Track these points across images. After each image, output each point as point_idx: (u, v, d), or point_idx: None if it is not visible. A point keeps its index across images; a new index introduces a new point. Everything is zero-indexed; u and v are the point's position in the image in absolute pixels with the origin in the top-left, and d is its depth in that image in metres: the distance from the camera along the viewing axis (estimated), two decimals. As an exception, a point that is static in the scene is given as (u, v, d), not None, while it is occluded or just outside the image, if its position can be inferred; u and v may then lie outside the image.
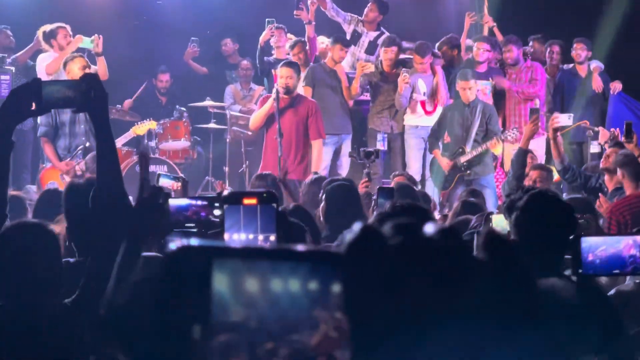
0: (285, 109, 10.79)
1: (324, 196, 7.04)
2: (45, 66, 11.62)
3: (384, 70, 12.07)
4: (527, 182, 9.00)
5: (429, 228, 1.43)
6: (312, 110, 10.99)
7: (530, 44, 13.41)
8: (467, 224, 6.39)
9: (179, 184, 7.38)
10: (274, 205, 3.11)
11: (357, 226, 1.41)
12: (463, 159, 11.16)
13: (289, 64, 11.10)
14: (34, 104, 3.74)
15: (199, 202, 3.84)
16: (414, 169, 11.86)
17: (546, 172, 9.43)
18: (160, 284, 1.35)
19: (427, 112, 11.94)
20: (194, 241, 1.36)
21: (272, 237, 3.08)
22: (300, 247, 1.35)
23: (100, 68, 11.80)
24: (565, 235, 3.96)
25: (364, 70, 12.15)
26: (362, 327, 1.33)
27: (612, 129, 10.48)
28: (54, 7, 13.24)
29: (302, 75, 11.92)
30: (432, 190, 11.28)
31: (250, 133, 13.19)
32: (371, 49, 12.98)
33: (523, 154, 8.75)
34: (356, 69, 12.25)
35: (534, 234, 4.03)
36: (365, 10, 13.03)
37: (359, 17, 13.05)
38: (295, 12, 12.77)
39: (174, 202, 3.89)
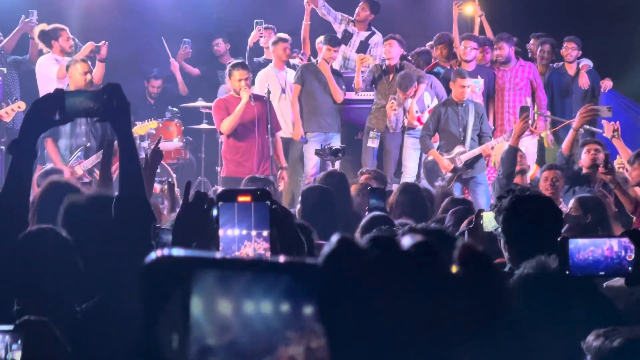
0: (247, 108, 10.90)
1: (299, 198, 7.11)
2: (57, 71, 11.57)
3: (387, 67, 12.08)
4: (542, 184, 9.01)
5: (406, 241, 1.45)
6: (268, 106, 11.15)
7: (531, 41, 13.38)
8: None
9: (165, 187, 7.37)
10: (268, 202, 3.14)
11: (334, 238, 1.43)
12: (463, 159, 11.19)
13: (242, 65, 11.16)
14: (57, 114, 3.78)
15: None
16: (410, 167, 11.93)
17: (561, 171, 9.41)
18: (139, 294, 1.36)
19: (422, 124, 11.97)
20: (175, 251, 1.37)
21: (265, 233, 3.11)
22: (278, 259, 1.36)
23: (97, 73, 11.84)
24: (553, 235, 4.00)
25: (364, 63, 12.18)
26: (339, 340, 1.35)
27: (611, 122, 10.50)
28: (43, 7, 13.19)
29: (287, 74, 12.04)
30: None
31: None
32: (362, 48, 13.00)
33: (513, 152, 8.78)
34: (354, 65, 12.32)
35: (521, 234, 4.08)
36: (357, 9, 13.05)
37: (350, 17, 13.07)
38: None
39: None
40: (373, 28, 13.15)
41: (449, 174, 11.19)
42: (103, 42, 12.00)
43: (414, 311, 1.36)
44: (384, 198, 6.87)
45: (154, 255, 1.37)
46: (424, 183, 11.60)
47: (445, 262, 1.44)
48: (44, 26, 12.01)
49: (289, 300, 1.32)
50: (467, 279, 1.41)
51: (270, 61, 12.67)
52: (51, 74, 11.61)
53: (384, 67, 12.16)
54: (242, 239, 3.09)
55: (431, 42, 13.26)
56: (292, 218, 3.62)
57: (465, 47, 12.46)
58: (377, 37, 13.01)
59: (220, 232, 3.09)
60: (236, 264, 1.37)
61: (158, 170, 11.39)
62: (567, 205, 8.40)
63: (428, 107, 12.00)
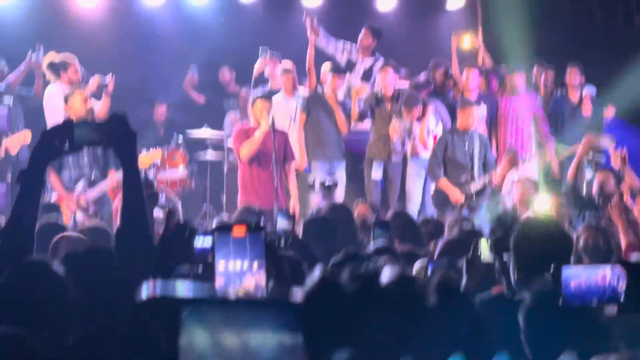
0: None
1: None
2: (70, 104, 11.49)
3: (384, 96, 12.12)
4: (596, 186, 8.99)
5: (386, 274, 1.50)
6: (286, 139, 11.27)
7: (534, 69, 13.41)
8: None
9: (166, 213, 7.40)
10: (262, 233, 3.21)
11: (315, 274, 1.48)
12: (473, 188, 11.24)
13: (267, 97, 11.33)
14: (65, 144, 3.82)
15: None
16: (415, 196, 11.93)
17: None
18: (129, 332, 1.41)
19: (426, 148, 12.00)
20: (167, 291, 1.42)
21: (261, 264, 3.17)
22: (262, 297, 1.42)
23: (104, 106, 11.89)
24: (562, 258, 4.08)
25: (360, 93, 12.22)
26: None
27: (618, 150, 10.53)
28: (49, 35, 13.28)
29: (297, 102, 12.10)
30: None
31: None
32: (367, 76, 13.04)
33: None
34: (352, 96, 12.31)
35: (530, 259, 4.14)
36: (360, 36, 13.10)
37: (353, 44, 13.10)
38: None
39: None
40: (377, 54, 13.18)
41: (459, 205, 11.24)
42: (110, 75, 12.06)
43: (393, 342, 1.41)
44: (389, 229, 6.93)
45: (145, 293, 1.41)
46: (429, 211, 11.63)
47: (424, 294, 1.49)
48: (54, 56, 11.99)
49: (277, 333, 1.36)
50: (443, 311, 1.46)
51: (275, 91, 12.76)
52: (60, 105, 11.44)
53: (379, 95, 12.18)
54: (241, 274, 3.16)
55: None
56: (275, 250, 3.67)
57: (467, 76, 12.50)
58: (381, 63, 13.06)
59: (220, 266, 3.16)
60: (222, 303, 1.41)
61: (162, 200, 11.51)
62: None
63: (432, 131, 12.04)
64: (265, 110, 11.00)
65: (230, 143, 13.31)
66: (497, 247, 4.84)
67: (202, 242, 3.82)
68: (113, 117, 3.90)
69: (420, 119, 11.92)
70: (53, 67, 11.95)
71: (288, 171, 11.22)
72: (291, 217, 6.97)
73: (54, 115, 11.50)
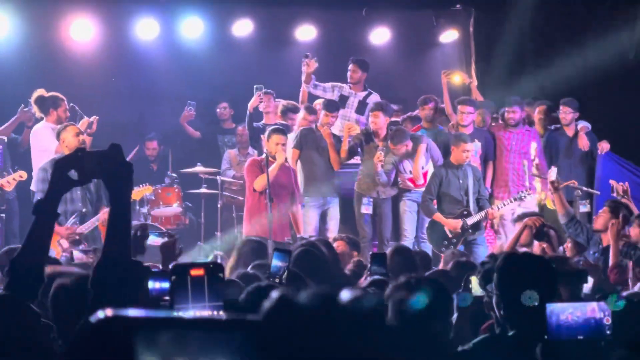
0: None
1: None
2: (63, 138, 11.45)
3: (374, 132, 12.11)
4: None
5: (345, 295, 1.48)
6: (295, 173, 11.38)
7: (527, 104, 13.41)
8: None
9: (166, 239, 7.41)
10: (221, 275, 3.17)
11: (274, 294, 1.46)
12: (470, 222, 11.23)
13: (282, 131, 11.31)
14: (77, 175, 3.77)
15: None
16: (408, 230, 11.90)
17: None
18: (85, 354, 1.38)
19: (417, 186, 11.98)
20: (119, 311, 1.39)
21: (219, 307, 3.15)
22: (218, 316, 1.39)
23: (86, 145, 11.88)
24: (546, 294, 4.06)
25: (351, 132, 12.21)
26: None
27: (620, 183, 10.51)
28: (43, 71, 13.29)
29: (291, 137, 12.11)
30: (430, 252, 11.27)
31: (241, 199, 13.25)
32: (361, 108, 13.04)
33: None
34: (344, 132, 12.32)
35: (514, 294, 4.11)
36: (348, 73, 13.11)
37: (341, 84, 13.12)
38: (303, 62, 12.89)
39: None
40: (368, 88, 13.20)
41: (455, 238, 11.22)
42: (94, 117, 12.08)
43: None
44: (385, 263, 6.90)
45: (101, 314, 1.39)
46: (423, 247, 11.60)
47: (383, 315, 1.47)
48: (43, 92, 11.94)
49: (238, 355, 1.34)
50: (402, 331, 1.44)
51: (269, 125, 12.78)
52: (50, 145, 11.42)
53: (369, 131, 12.17)
54: None
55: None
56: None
57: (462, 112, 12.49)
58: (375, 96, 13.06)
59: (175, 308, 3.13)
60: (182, 323, 1.39)
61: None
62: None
63: (423, 168, 12.03)
64: (281, 143, 11.09)
65: (226, 178, 13.37)
66: (485, 281, 4.82)
67: (158, 284, 3.77)
68: (112, 147, 3.83)
69: (411, 154, 11.90)
70: (42, 101, 11.89)
71: (297, 210, 11.36)
72: (287, 254, 6.94)
73: (41, 154, 11.44)
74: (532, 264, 4.22)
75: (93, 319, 1.39)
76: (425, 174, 11.98)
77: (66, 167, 3.77)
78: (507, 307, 4.15)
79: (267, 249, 8.42)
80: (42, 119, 11.91)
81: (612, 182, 10.84)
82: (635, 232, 8.85)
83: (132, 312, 1.41)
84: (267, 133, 11.34)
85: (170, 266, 3.44)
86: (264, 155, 11.26)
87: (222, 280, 3.14)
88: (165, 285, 3.58)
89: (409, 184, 11.98)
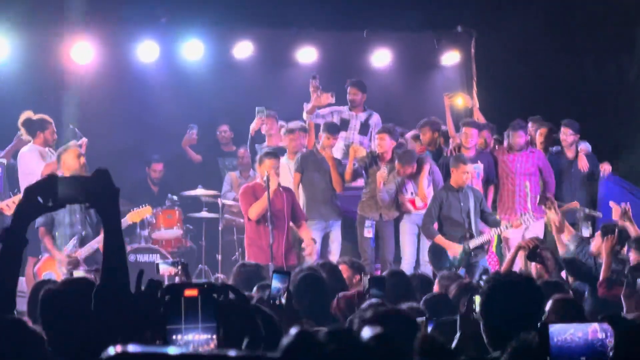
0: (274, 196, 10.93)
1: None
2: (43, 168, 11.43)
3: (379, 155, 12.09)
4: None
5: (366, 333, 1.44)
6: (293, 196, 11.35)
7: (529, 125, 13.37)
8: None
9: (179, 268, 7.40)
10: (214, 295, 3.15)
11: (292, 331, 1.42)
12: (472, 244, 11.20)
13: (275, 154, 11.27)
14: (50, 201, 3.76)
15: None
16: (408, 253, 11.87)
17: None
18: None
19: (416, 208, 11.96)
20: (132, 347, 1.37)
21: (213, 328, 3.12)
22: (233, 353, 1.36)
23: None
24: (531, 316, 4.04)
25: (357, 154, 12.18)
26: None
27: (622, 204, 10.47)
28: (44, 94, 13.28)
29: (293, 161, 12.09)
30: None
31: (242, 221, 13.21)
32: (364, 129, 13.04)
33: None
34: (349, 154, 12.29)
35: (498, 317, 4.10)
36: (348, 96, 13.10)
37: (340, 108, 13.10)
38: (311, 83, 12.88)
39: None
40: (368, 109, 13.19)
41: (457, 261, 11.18)
42: (83, 139, 12.09)
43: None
44: (384, 286, 6.87)
45: (111, 350, 1.36)
46: (424, 269, 11.54)
47: (404, 352, 1.43)
48: (30, 114, 11.92)
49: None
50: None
51: (273, 148, 12.79)
52: (36, 169, 11.46)
53: (374, 154, 12.15)
54: (192, 341, 3.12)
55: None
56: (247, 307, 3.60)
57: (466, 133, 12.46)
58: (376, 117, 13.07)
59: (171, 332, 3.11)
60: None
61: (157, 257, 11.45)
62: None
63: (412, 194, 11.99)
64: (274, 168, 11.00)
65: (227, 201, 13.33)
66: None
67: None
68: (96, 172, 3.83)
69: (414, 176, 11.89)
70: (30, 124, 11.88)
71: (302, 228, 11.22)
72: (286, 276, 6.93)
73: (27, 177, 11.37)
74: (516, 287, 4.20)
75: (104, 356, 1.37)
76: (422, 197, 11.96)
77: (36, 193, 3.75)
78: (492, 330, 4.15)
79: (262, 273, 8.38)
80: (29, 141, 11.91)
81: (611, 203, 10.80)
82: (635, 257, 8.85)
83: (144, 349, 1.38)
84: (258, 157, 11.26)
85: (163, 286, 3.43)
86: (258, 180, 11.20)
87: (216, 301, 3.12)
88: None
89: (409, 205, 11.95)
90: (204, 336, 3.13)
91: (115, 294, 3.69)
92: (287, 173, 12.09)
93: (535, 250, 8.93)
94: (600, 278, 8.54)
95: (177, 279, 8.14)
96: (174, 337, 3.14)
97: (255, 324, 3.38)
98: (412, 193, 11.99)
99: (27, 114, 11.94)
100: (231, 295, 3.37)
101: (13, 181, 12.19)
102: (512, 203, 12.53)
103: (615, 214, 10.37)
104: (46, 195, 3.75)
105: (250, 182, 11.51)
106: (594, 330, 3.77)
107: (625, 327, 3.93)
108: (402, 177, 11.88)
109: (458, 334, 4.97)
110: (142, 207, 11.86)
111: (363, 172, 12.12)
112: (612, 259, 8.74)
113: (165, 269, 7.49)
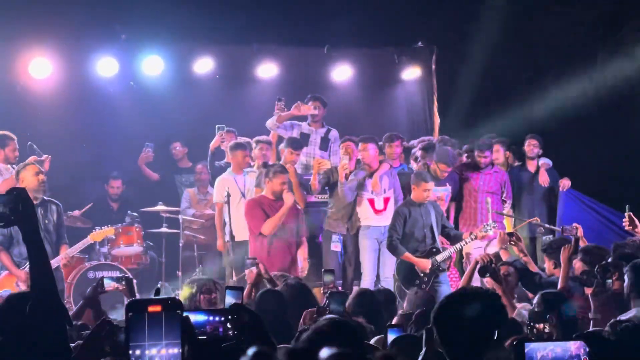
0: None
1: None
2: (1, 185, 11.44)
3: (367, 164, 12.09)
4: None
5: (324, 353, 1.43)
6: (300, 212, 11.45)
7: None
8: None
9: (123, 283, 7.37)
10: (179, 312, 3.12)
11: (250, 351, 1.40)
12: (440, 258, 11.19)
13: (284, 170, 11.34)
14: None
15: (217, 318, 3.92)
16: (368, 269, 11.80)
17: (514, 268, 9.49)
18: None
19: (376, 211, 11.94)
20: None
21: (177, 344, 3.10)
22: None
23: None
24: (484, 334, 4.03)
25: (321, 167, 12.15)
26: None
27: (574, 224, 10.52)
28: (5, 110, 13.17)
29: (245, 178, 12.07)
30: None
31: (202, 237, 13.16)
32: (324, 144, 13.03)
33: None
34: (312, 167, 12.26)
35: (450, 334, 4.11)
36: (311, 111, 13.07)
37: (299, 122, 13.09)
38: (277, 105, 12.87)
39: (192, 317, 3.89)
40: (326, 125, 13.18)
41: (427, 276, 11.15)
42: (46, 156, 12.02)
43: None
44: (344, 302, 6.83)
45: None
46: (385, 285, 11.50)
47: None
48: None
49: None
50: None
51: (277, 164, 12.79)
52: None
53: (336, 168, 12.13)
54: (154, 357, 3.08)
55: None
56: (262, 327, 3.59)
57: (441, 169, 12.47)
58: (335, 132, 13.11)
59: (134, 349, 3.07)
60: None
61: (117, 274, 11.36)
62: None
63: (385, 192, 11.98)
64: (286, 183, 11.07)
65: (187, 217, 13.27)
66: None
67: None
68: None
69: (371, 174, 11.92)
70: None
71: (302, 245, 11.29)
72: (240, 292, 6.90)
73: None
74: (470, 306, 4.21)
75: None
76: (386, 200, 11.95)
77: None
78: (448, 347, 4.16)
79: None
80: None
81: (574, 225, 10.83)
82: (577, 265, 8.93)
83: None
84: (270, 173, 11.16)
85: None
86: (264, 194, 11.15)
87: (180, 317, 3.08)
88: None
89: (368, 207, 11.91)
90: (168, 352, 3.09)
91: (46, 308, 3.72)
92: (233, 187, 12.04)
93: (487, 265, 8.92)
94: (559, 287, 8.59)
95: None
96: (136, 353, 3.08)
97: (271, 343, 3.36)
98: (372, 192, 11.97)
99: None
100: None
101: None
102: (474, 220, 12.57)
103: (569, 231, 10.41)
104: None
105: (255, 197, 11.45)
106: (570, 349, 3.78)
107: (599, 345, 3.95)
108: (363, 176, 11.89)
109: (424, 350, 4.95)
110: (105, 227, 11.78)
111: (326, 188, 12.10)
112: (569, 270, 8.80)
113: (110, 285, 7.43)
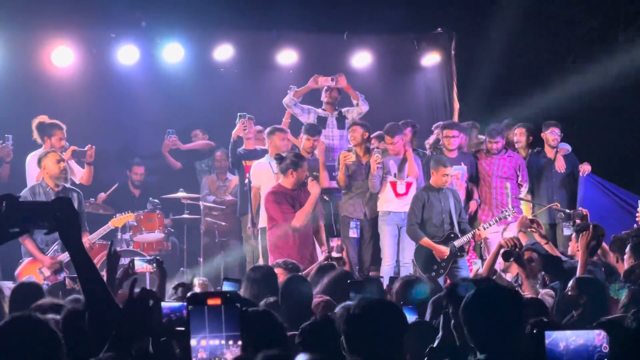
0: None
1: None
2: (43, 164, 11.52)
3: (357, 153, 12.12)
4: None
5: (300, 358, 1.48)
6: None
7: (515, 130, 13.38)
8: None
9: (154, 265, 7.43)
10: (238, 305, 3.17)
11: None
12: (458, 244, 11.20)
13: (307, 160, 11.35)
14: (14, 227, 3.74)
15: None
16: (388, 254, 11.83)
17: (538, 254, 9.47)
18: None
19: (397, 195, 11.96)
20: None
21: (237, 337, 3.14)
22: None
23: (85, 174, 12.07)
24: (512, 327, 4.17)
25: (346, 160, 12.13)
26: None
27: (579, 209, 10.51)
28: (29, 99, 13.26)
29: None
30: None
31: (224, 224, 13.21)
32: (341, 123, 13.01)
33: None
34: (339, 160, 12.23)
35: (482, 327, 4.17)
36: (328, 93, 13.09)
37: (315, 108, 13.09)
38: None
39: (166, 305, 3.98)
40: (339, 109, 13.17)
41: (445, 262, 11.17)
42: (89, 146, 12.10)
43: None
44: (363, 290, 6.84)
45: None
46: (405, 271, 11.53)
47: None
48: (45, 118, 12.04)
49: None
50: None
51: (250, 151, 12.79)
52: (35, 173, 11.60)
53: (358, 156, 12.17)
54: (216, 349, 3.12)
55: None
56: (271, 317, 3.63)
57: (447, 135, 12.49)
58: (345, 108, 13.13)
59: (193, 341, 3.11)
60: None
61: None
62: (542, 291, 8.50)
63: (408, 177, 12.00)
64: (309, 174, 11.10)
65: (207, 203, 13.33)
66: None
67: (170, 312, 3.81)
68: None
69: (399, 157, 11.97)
70: (41, 128, 11.99)
71: (320, 231, 11.22)
72: (237, 283, 6.97)
73: (31, 181, 11.56)
74: (497, 300, 4.28)
75: None
76: (409, 185, 11.97)
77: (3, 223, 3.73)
78: (475, 335, 4.23)
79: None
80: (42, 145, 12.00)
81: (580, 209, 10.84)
82: (572, 245, 8.93)
83: None
84: (297, 165, 11.01)
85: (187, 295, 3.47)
86: (281, 182, 11.13)
87: (240, 310, 3.14)
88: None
89: (390, 191, 11.94)
90: (229, 343, 3.15)
91: (104, 316, 3.70)
92: (270, 174, 12.04)
93: (512, 250, 8.90)
94: (578, 273, 8.55)
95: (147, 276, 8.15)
96: (197, 346, 3.15)
97: (282, 334, 3.41)
98: (394, 175, 12.00)
99: (40, 118, 12.06)
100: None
101: None
102: (489, 204, 12.58)
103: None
104: (10, 222, 3.73)
105: (275, 188, 11.19)
106: (590, 338, 3.80)
107: (620, 333, 3.98)
108: (387, 158, 11.92)
109: (440, 333, 5.00)
110: (125, 213, 11.87)
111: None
112: (588, 257, 8.74)
113: (141, 267, 7.50)
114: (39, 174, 11.24)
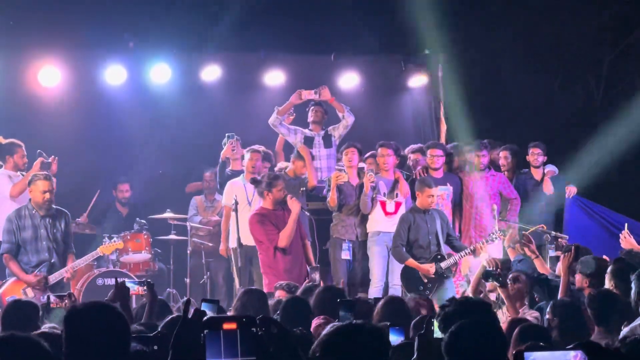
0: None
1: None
2: (10, 189, 11.61)
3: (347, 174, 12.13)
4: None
5: None
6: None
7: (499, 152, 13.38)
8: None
9: (144, 287, 7.40)
10: (254, 329, 3.16)
11: None
12: (444, 265, 11.20)
13: (281, 176, 11.42)
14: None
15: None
16: (377, 276, 11.78)
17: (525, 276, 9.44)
18: None
19: (387, 214, 11.94)
20: None
21: None
22: None
23: (18, 187, 11.84)
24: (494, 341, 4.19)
25: (339, 180, 12.11)
26: None
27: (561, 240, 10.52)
28: (11, 118, 13.22)
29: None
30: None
31: (210, 244, 13.18)
32: (327, 142, 12.99)
33: None
34: (329, 181, 12.18)
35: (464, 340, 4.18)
36: (315, 113, 13.07)
37: (302, 129, 13.09)
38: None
39: None
40: (325, 129, 13.17)
41: (431, 282, 11.16)
42: (53, 157, 12.09)
43: None
44: (353, 309, 6.82)
45: None
46: (393, 291, 11.50)
47: None
48: (0, 139, 12.02)
49: None
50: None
51: (236, 172, 12.78)
52: (4, 191, 11.67)
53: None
54: None
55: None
56: (288, 338, 3.60)
57: (432, 155, 12.50)
58: (331, 127, 13.12)
59: None
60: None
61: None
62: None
63: (397, 196, 11.99)
64: (284, 188, 11.10)
65: (194, 224, 13.31)
66: (445, 324, 4.94)
67: None
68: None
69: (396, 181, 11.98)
70: (0, 148, 11.97)
71: (306, 248, 11.27)
72: (215, 304, 6.95)
73: (1, 201, 11.60)
74: (480, 334, 4.28)
75: None
76: (398, 205, 11.97)
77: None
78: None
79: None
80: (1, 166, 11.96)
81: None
82: (558, 265, 8.95)
83: None
84: (269, 185, 11.07)
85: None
86: (262, 204, 11.13)
87: (255, 335, 3.13)
88: None
89: (379, 210, 11.93)
90: None
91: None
92: (241, 194, 12.07)
93: (490, 270, 8.87)
94: (559, 295, 8.55)
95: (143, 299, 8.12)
96: None
97: (297, 356, 3.39)
98: (383, 194, 12.00)
99: None
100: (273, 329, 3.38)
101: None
102: (467, 225, 12.59)
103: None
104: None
105: (256, 210, 11.21)
106: (568, 358, 3.81)
107: (597, 354, 3.98)
108: (376, 180, 11.93)
109: (415, 356, 4.98)
110: (115, 240, 11.81)
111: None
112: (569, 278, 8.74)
113: (133, 289, 7.47)
114: (13, 188, 11.29)
